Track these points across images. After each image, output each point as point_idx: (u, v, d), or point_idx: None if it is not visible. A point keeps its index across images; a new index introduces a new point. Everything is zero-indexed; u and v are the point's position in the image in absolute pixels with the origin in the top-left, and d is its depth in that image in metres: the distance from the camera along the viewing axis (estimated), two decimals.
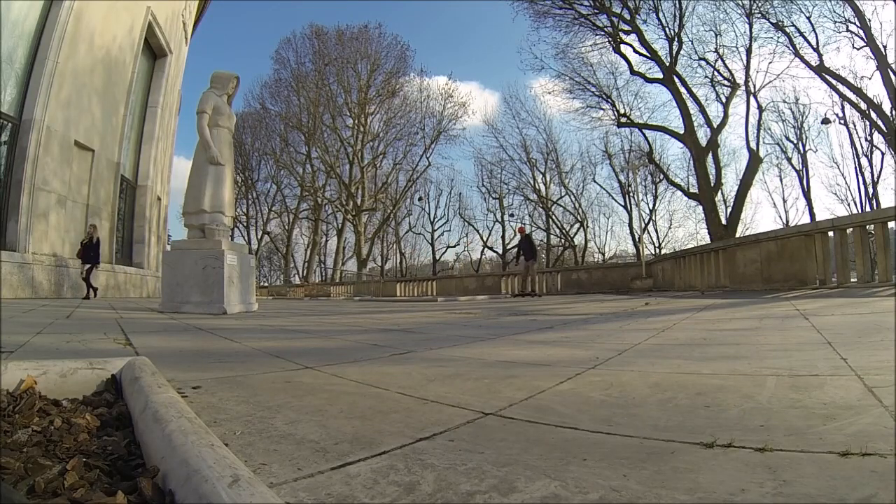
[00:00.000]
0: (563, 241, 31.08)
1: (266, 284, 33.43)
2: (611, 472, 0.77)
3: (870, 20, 17.49)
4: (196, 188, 6.20)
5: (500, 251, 32.51)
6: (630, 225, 28.93)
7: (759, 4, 18.68)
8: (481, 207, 36.04)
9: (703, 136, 20.02)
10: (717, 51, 20.32)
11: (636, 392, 1.36)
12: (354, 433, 1.00)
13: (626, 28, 20.47)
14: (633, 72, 21.44)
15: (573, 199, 30.50)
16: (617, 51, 21.23)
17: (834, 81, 19.10)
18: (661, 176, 26.68)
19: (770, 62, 25.01)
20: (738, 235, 17.23)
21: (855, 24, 17.75)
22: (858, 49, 18.38)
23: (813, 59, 18.80)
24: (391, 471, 0.79)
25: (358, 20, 39.20)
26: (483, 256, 34.82)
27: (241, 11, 46.64)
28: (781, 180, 28.08)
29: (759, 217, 41.40)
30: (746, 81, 20.06)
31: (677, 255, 13.73)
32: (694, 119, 19.90)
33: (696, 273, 11.36)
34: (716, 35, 20.14)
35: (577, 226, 30.65)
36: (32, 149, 8.18)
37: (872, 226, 7.12)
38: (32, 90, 8.28)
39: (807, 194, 26.59)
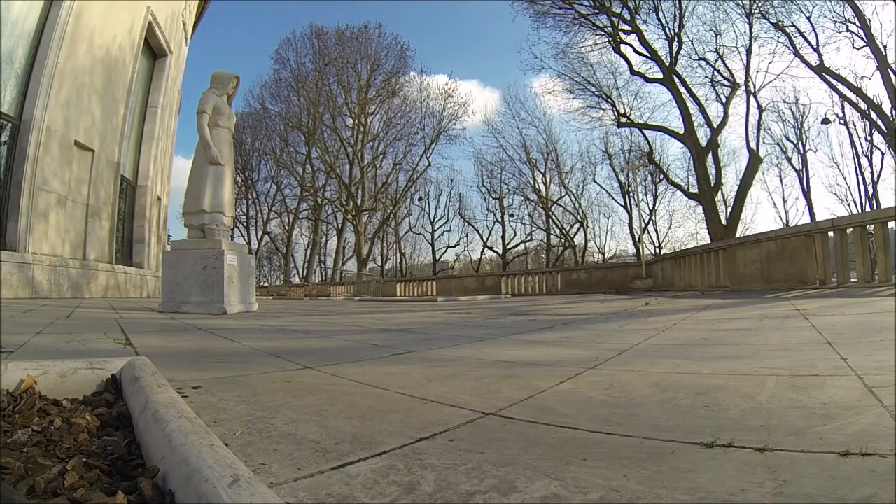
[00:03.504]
0: (563, 241, 31.09)
1: (266, 284, 33.41)
2: (611, 472, 0.77)
3: (870, 20, 17.50)
4: (196, 188, 6.20)
5: (500, 251, 32.52)
6: (630, 225, 28.96)
7: (759, 4, 18.69)
8: (481, 207, 36.10)
9: (703, 136, 20.04)
10: (717, 51, 20.34)
11: (636, 392, 1.36)
12: (354, 433, 1.00)
13: (626, 28, 20.48)
14: (633, 72, 21.46)
15: (573, 199, 30.52)
16: (617, 51, 21.25)
17: (834, 81, 19.11)
18: (661, 176, 26.70)
19: (770, 62, 25.10)
20: (738, 235, 17.24)
21: (855, 24, 17.76)
22: (858, 49, 18.39)
23: (813, 59, 18.82)
24: (391, 471, 0.79)
25: (358, 20, 39.20)
26: (483, 256, 34.85)
27: (241, 11, 46.66)
28: (781, 180, 28.12)
29: (759, 217, 41.47)
30: (746, 81, 20.08)
31: (677, 255, 13.73)
32: (694, 119, 19.93)
33: (696, 273, 11.36)
34: (716, 35, 20.17)
35: (577, 226, 30.66)
36: (32, 149, 8.18)
37: (872, 226, 7.12)
38: (32, 90, 8.28)
39: (807, 194, 26.61)
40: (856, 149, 25.02)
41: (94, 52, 9.72)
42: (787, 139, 26.42)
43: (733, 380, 1.47)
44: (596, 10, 20.54)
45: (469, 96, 38.25)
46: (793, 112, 25.53)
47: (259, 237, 35.80)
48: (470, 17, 50.84)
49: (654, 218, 29.52)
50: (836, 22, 18.21)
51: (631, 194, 27.90)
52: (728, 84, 20.43)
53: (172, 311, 5.62)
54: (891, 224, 6.94)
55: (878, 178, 24.45)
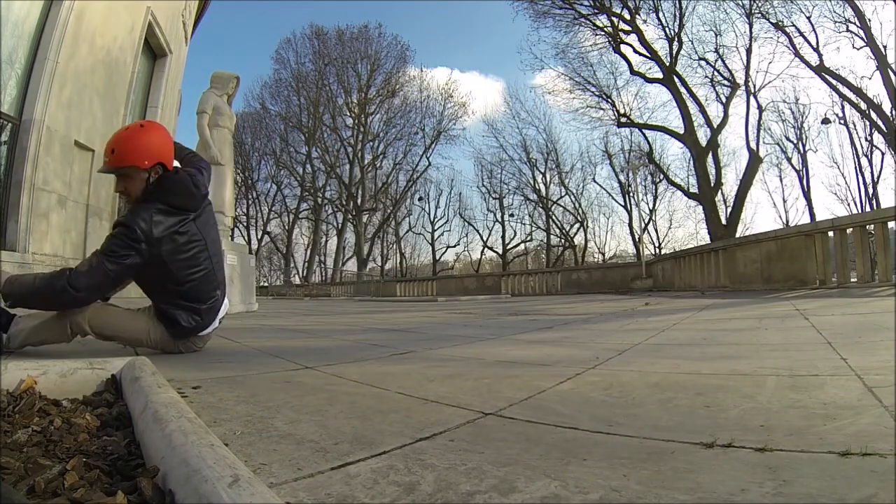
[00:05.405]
0: (563, 241, 31.10)
1: (266, 284, 33.40)
2: (611, 472, 0.77)
3: (870, 20, 17.52)
4: None
5: (501, 251, 32.51)
6: (630, 225, 28.96)
7: (759, 4, 18.71)
8: (481, 207, 36.19)
9: (703, 136, 20.07)
10: (717, 51, 20.38)
11: (636, 392, 1.36)
12: (354, 433, 1.00)
13: (627, 28, 20.52)
14: (633, 72, 21.49)
15: (573, 199, 30.53)
16: (617, 51, 21.29)
17: (834, 81, 19.12)
18: (661, 176, 26.70)
19: (770, 62, 25.17)
20: (738, 235, 17.25)
21: (855, 24, 17.78)
22: (858, 49, 18.41)
23: (813, 59, 18.85)
24: (391, 471, 0.79)
25: (358, 20, 39.23)
26: (483, 256, 34.84)
27: (241, 11, 46.67)
28: (781, 180, 28.13)
29: (759, 217, 41.47)
30: (746, 81, 20.11)
31: (677, 255, 13.73)
32: (694, 119, 19.96)
33: (696, 273, 11.36)
34: (716, 35, 20.20)
35: (577, 226, 30.69)
36: (32, 149, 8.17)
37: (872, 226, 7.13)
38: (32, 90, 8.27)
39: (807, 194, 26.62)
40: (856, 149, 25.04)
41: (95, 53, 9.72)
42: (787, 139, 26.45)
43: (733, 380, 1.47)
44: (596, 10, 20.59)
45: (469, 96, 38.37)
46: (793, 112, 25.55)
47: (259, 237, 35.82)
48: (470, 17, 50.87)
49: (654, 218, 29.53)
50: (836, 22, 18.25)
51: (631, 194, 27.90)
52: (728, 84, 20.46)
53: None
54: (891, 224, 6.95)
55: (878, 178, 24.47)
